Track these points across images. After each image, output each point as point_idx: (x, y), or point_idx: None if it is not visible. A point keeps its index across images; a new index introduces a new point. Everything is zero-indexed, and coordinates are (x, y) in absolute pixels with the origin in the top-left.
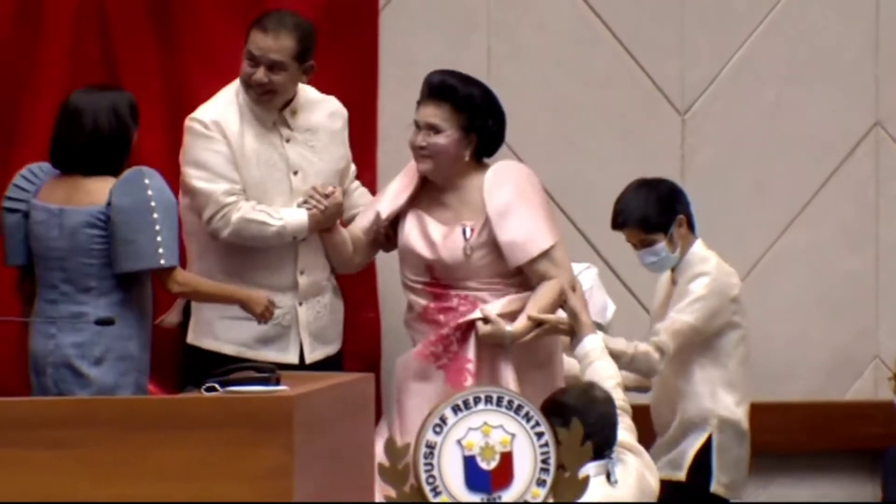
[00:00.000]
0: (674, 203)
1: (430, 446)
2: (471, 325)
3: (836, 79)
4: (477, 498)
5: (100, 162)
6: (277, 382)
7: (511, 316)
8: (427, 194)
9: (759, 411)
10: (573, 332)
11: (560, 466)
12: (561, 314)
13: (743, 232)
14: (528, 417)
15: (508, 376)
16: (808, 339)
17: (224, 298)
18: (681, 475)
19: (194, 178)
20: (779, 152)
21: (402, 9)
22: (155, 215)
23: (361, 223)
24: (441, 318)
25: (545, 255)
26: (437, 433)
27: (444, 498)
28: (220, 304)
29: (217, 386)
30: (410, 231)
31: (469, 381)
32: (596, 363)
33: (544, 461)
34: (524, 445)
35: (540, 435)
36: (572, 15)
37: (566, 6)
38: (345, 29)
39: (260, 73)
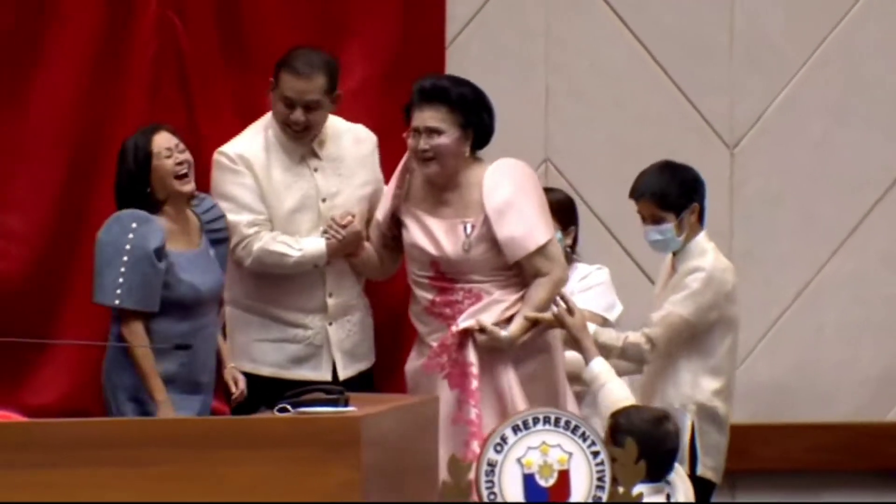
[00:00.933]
0: (693, 190)
1: (492, 464)
2: (467, 331)
3: (879, 114)
4: None
5: (126, 197)
6: (346, 404)
7: (507, 321)
8: (425, 194)
9: (805, 431)
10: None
11: (614, 483)
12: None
13: (790, 259)
14: (584, 437)
15: (510, 376)
16: (852, 361)
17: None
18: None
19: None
20: (823, 184)
21: (465, 49)
22: (125, 258)
23: (373, 235)
24: (447, 311)
25: (540, 250)
26: (497, 452)
27: None
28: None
29: (289, 407)
30: (413, 230)
31: (474, 384)
32: (608, 385)
33: (600, 478)
34: (580, 463)
35: (596, 454)
36: (627, 55)
37: (621, 47)
38: (413, 68)
39: (298, 114)
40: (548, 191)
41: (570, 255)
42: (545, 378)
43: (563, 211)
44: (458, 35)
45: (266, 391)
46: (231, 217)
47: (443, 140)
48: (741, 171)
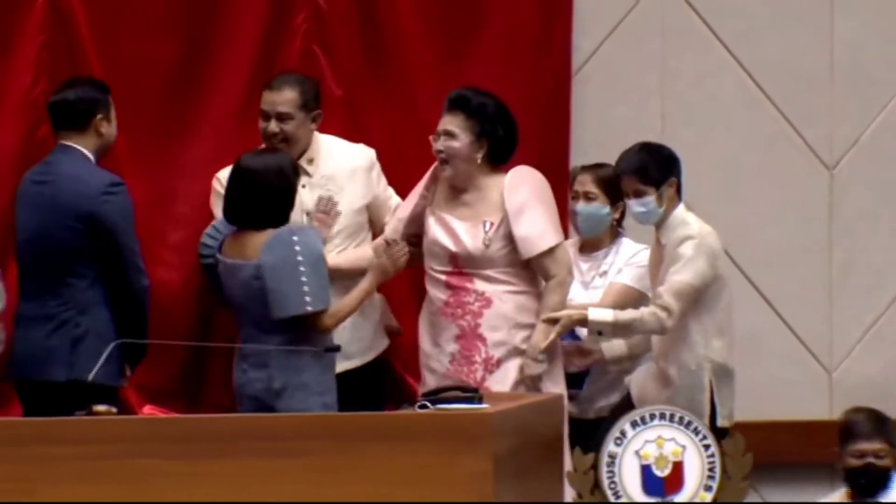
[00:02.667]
0: (671, 167)
1: (612, 456)
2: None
3: None
4: (653, 500)
5: (269, 216)
6: (480, 401)
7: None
8: (447, 197)
9: None
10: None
11: (724, 474)
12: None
13: (884, 270)
14: (696, 432)
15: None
16: None
17: (365, 297)
18: (704, 422)
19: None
20: None
21: (588, 80)
22: (301, 268)
23: (393, 232)
24: (459, 311)
25: (550, 252)
26: (617, 445)
27: (624, 500)
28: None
29: (428, 404)
30: (435, 228)
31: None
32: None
33: (710, 469)
34: (693, 456)
35: (707, 447)
36: (736, 84)
37: (730, 77)
38: (540, 99)
39: (272, 125)
40: (599, 166)
41: (617, 228)
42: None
43: (613, 186)
44: (582, 67)
45: None
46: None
47: (454, 143)
48: (840, 189)
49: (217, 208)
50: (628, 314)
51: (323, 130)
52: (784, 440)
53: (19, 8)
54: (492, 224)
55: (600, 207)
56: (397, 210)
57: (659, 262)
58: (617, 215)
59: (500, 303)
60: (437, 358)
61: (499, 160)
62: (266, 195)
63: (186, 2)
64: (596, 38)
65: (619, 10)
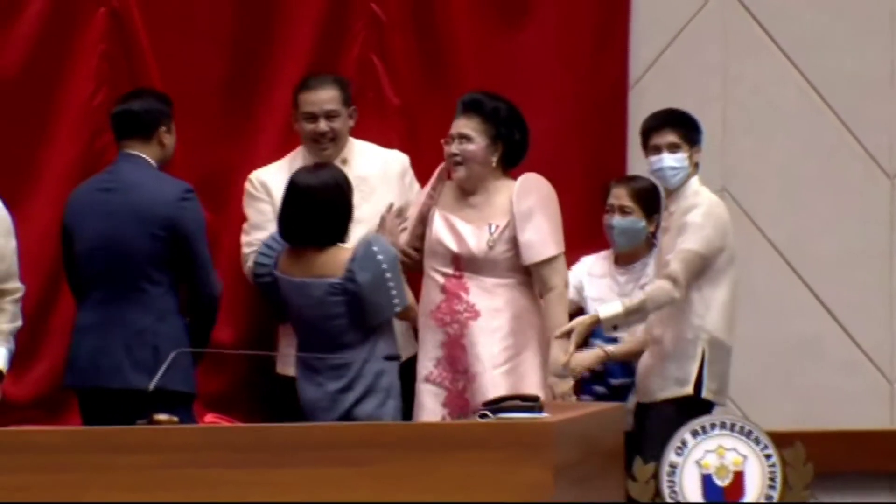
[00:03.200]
0: (700, 133)
1: (673, 466)
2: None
3: None
4: None
5: (332, 234)
6: (541, 410)
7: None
8: (454, 198)
9: None
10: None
11: (785, 483)
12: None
13: None
14: (757, 441)
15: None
16: None
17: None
18: (689, 390)
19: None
20: None
21: (647, 90)
22: (387, 275)
23: (406, 234)
24: (448, 318)
25: (550, 260)
26: (678, 455)
27: None
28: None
29: (489, 413)
30: (440, 228)
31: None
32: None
33: (771, 479)
34: (754, 465)
35: (768, 457)
36: (796, 92)
37: (791, 85)
38: (597, 110)
39: (322, 124)
40: (633, 178)
41: (652, 240)
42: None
43: (648, 199)
44: (641, 77)
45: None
46: (242, 236)
47: (471, 146)
48: None
49: (251, 210)
50: (636, 298)
51: (380, 139)
52: (844, 450)
53: (80, 18)
54: (497, 227)
55: (636, 221)
56: (407, 212)
57: (665, 231)
58: (652, 228)
59: (489, 318)
60: (421, 361)
61: (510, 164)
62: (328, 213)
63: (242, 11)
64: (656, 46)
65: (680, 18)
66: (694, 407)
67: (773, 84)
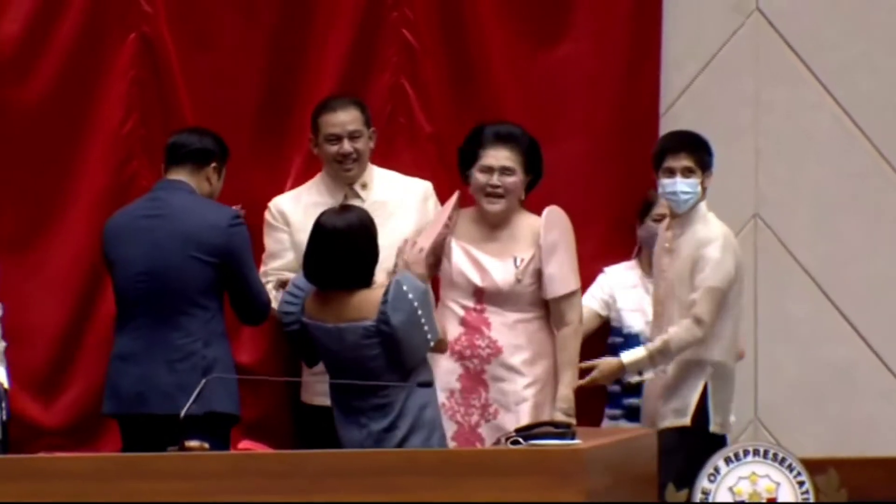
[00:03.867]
0: (712, 157)
1: (706, 493)
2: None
3: None
4: None
5: (359, 276)
6: (573, 437)
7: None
8: (474, 230)
9: None
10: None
11: None
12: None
13: None
14: (790, 468)
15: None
16: None
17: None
18: (686, 421)
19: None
20: None
21: (678, 117)
22: (419, 312)
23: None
24: (467, 352)
25: (570, 296)
26: (711, 481)
27: None
28: None
29: (521, 440)
30: (461, 260)
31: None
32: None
33: None
34: (787, 492)
35: (801, 483)
36: (829, 118)
37: (824, 111)
38: (627, 137)
39: (346, 145)
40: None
41: None
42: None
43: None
44: (673, 104)
45: (318, 418)
46: (261, 266)
47: (514, 179)
48: None
49: (269, 239)
50: (658, 340)
51: (412, 165)
52: (878, 477)
53: (110, 43)
54: (522, 260)
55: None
56: (419, 239)
57: (666, 253)
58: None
59: (510, 354)
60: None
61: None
62: (355, 255)
63: (274, 37)
64: (688, 73)
65: (712, 44)
66: (696, 438)
67: (806, 110)
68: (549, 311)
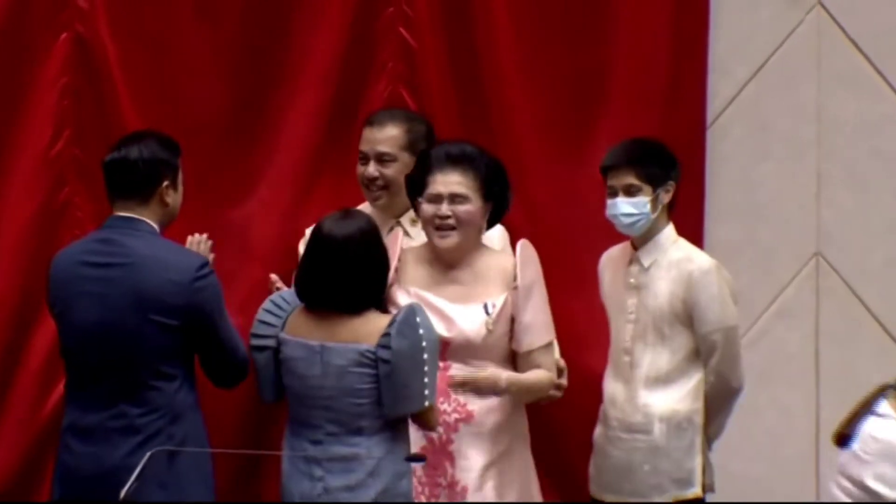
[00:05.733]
0: (672, 167)
1: None
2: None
3: None
4: None
5: (354, 298)
6: None
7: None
8: (425, 272)
9: None
10: None
11: None
12: None
13: None
14: None
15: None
16: None
17: None
18: (697, 491)
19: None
20: None
21: (727, 131)
22: (425, 356)
23: None
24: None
25: (547, 346)
26: None
27: None
28: None
29: None
30: None
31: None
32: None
33: None
34: None
35: None
36: None
37: None
38: (673, 150)
39: (371, 168)
40: None
41: None
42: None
43: None
44: (719, 115)
45: None
46: None
47: (468, 208)
48: None
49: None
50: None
51: None
52: None
53: (36, 46)
54: (494, 305)
55: None
56: None
57: (630, 291)
58: None
59: (481, 420)
60: None
61: (487, 228)
62: (351, 273)
63: (245, 36)
64: (737, 80)
65: (766, 47)
66: None
67: (878, 125)
68: (518, 365)
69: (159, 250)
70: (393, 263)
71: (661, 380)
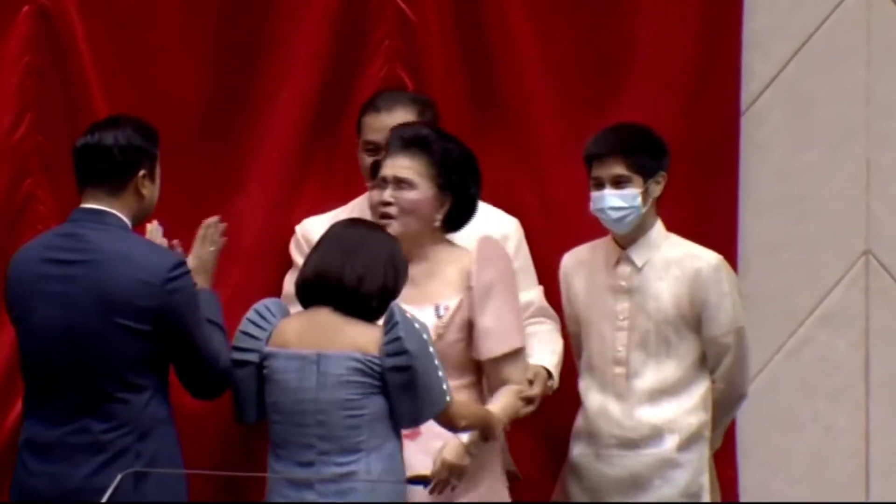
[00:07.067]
0: (663, 156)
1: None
2: None
3: None
4: None
5: (369, 301)
6: None
7: None
8: None
9: None
10: None
11: None
12: None
13: None
14: None
15: None
16: None
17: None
18: None
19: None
20: None
21: (765, 116)
22: (431, 350)
23: None
24: None
25: (513, 355)
26: None
27: None
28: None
29: None
30: None
31: None
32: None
33: None
34: None
35: None
36: None
37: None
38: (701, 139)
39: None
40: None
41: None
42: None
43: None
44: (756, 99)
45: None
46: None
47: (412, 195)
48: None
49: (289, 276)
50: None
51: None
52: None
53: None
54: (447, 308)
55: None
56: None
57: (620, 294)
58: None
59: (430, 438)
60: None
61: (453, 226)
62: (375, 270)
63: (223, 11)
64: (776, 59)
65: (809, 21)
66: None
67: None
68: (483, 375)
69: (128, 246)
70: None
71: (668, 391)
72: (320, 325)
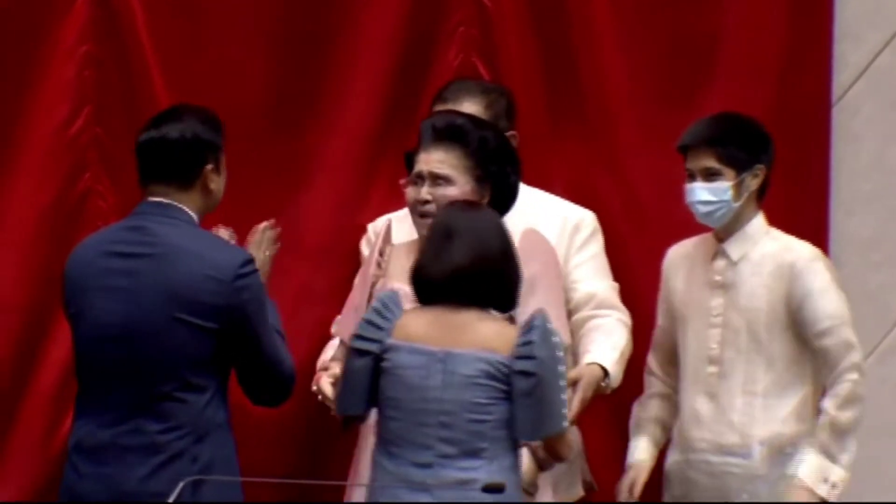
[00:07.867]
0: (761, 148)
1: None
2: None
3: None
4: None
5: (497, 294)
6: None
7: None
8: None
9: None
10: None
11: None
12: None
13: None
14: None
15: None
16: None
17: None
18: None
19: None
20: None
21: (857, 107)
22: (561, 368)
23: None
24: None
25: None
26: None
27: None
28: None
29: None
30: None
31: None
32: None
33: None
34: None
35: None
36: None
37: None
38: (790, 134)
39: None
40: None
41: None
42: None
43: None
44: (848, 89)
45: None
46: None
47: (451, 191)
48: None
49: (360, 276)
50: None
51: None
52: None
53: (52, 7)
54: None
55: None
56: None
57: (715, 290)
58: None
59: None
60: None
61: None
62: (492, 262)
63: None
64: (869, 48)
65: None
66: None
67: None
68: None
69: (197, 242)
70: (373, 259)
71: (759, 394)
72: (445, 322)
